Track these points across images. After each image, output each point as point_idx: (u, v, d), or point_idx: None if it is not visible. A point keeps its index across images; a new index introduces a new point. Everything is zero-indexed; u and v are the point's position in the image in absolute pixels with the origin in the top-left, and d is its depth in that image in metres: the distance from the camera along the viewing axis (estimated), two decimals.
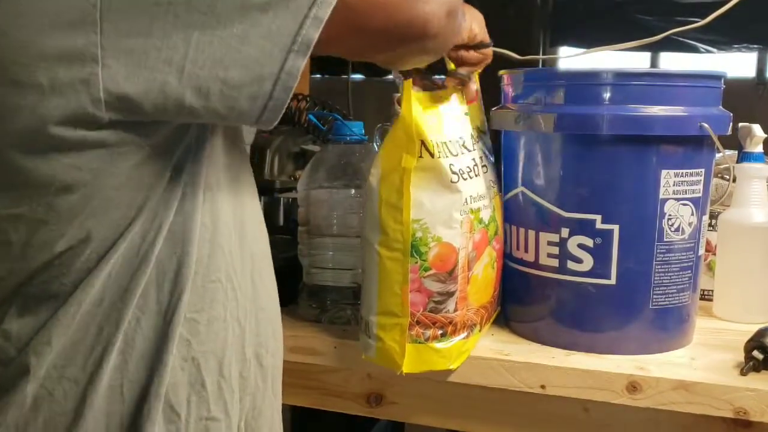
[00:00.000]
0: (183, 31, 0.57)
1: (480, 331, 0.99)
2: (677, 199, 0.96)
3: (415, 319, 0.92)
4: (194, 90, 0.59)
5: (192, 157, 0.67)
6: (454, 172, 0.91)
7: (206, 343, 0.69)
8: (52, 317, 0.64)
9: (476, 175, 0.96)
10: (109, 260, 0.64)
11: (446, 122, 0.94)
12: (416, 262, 0.91)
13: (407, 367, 0.92)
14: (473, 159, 0.97)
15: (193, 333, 0.68)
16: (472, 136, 0.98)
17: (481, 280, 0.97)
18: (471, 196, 0.93)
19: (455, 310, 0.94)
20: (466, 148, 0.96)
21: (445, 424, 1.08)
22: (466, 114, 0.99)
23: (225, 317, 0.71)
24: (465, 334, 0.95)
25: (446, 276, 0.92)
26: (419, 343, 0.93)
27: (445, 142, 0.92)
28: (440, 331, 0.93)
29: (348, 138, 1.11)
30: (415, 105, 0.89)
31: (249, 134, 1.42)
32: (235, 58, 0.59)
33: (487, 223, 0.97)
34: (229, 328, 0.71)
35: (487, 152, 1.02)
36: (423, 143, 0.89)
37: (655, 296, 0.97)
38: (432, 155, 0.89)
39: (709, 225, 1.10)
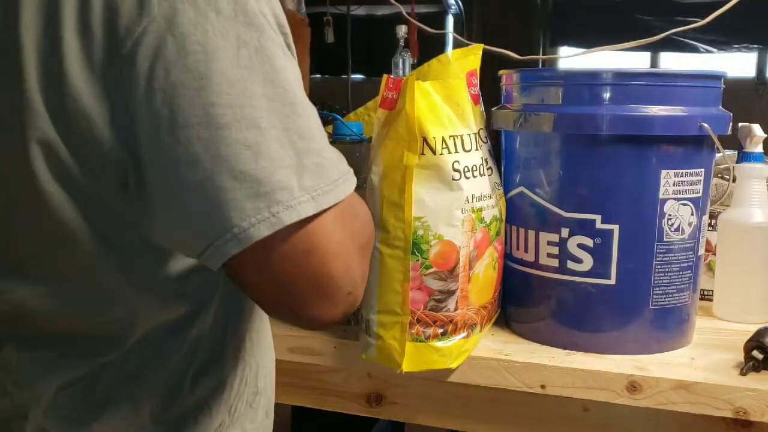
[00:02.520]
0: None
1: (480, 331, 0.99)
2: (677, 199, 0.96)
3: (416, 318, 0.92)
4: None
5: None
6: (456, 170, 0.91)
7: None
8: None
9: (481, 175, 0.96)
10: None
11: (457, 115, 0.94)
12: (417, 260, 0.91)
13: (407, 365, 0.92)
14: (481, 157, 0.97)
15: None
16: (479, 135, 0.98)
17: (482, 280, 0.97)
18: (473, 195, 0.93)
19: (456, 309, 0.94)
20: (475, 144, 0.96)
21: (445, 424, 1.08)
22: (476, 112, 0.99)
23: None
24: (465, 333, 0.95)
25: (447, 274, 0.92)
26: (419, 341, 0.93)
27: (453, 136, 0.92)
28: (441, 330, 0.93)
29: (348, 138, 1.11)
30: (418, 100, 0.89)
31: None
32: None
33: (488, 223, 0.97)
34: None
35: (490, 155, 1.02)
36: (425, 140, 0.89)
37: (654, 296, 0.97)
38: (434, 152, 0.90)
39: (709, 225, 1.10)
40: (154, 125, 0.52)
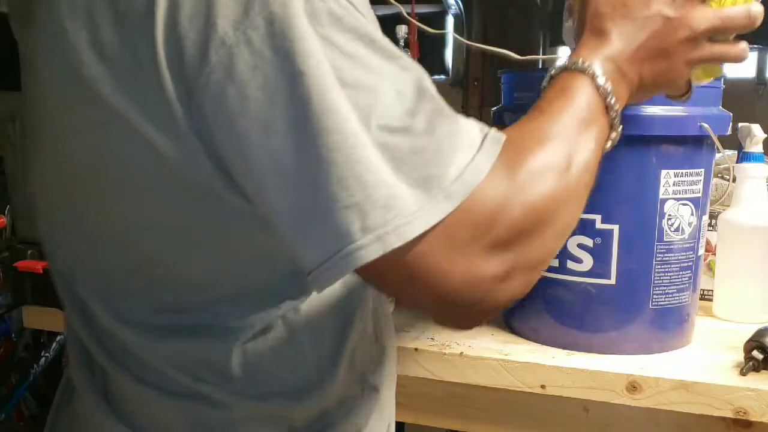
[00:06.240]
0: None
1: None
2: (677, 199, 0.96)
3: None
4: None
5: None
6: None
7: None
8: None
9: None
10: None
11: None
12: None
13: None
14: None
15: None
16: None
17: None
18: None
19: None
20: None
21: (445, 424, 1.08)
22: None
23: None
24: None
25: None
26: None
27: None
28: None
29: None
30: None
31: None
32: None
33: None
34: None
35: None
36: None
37: (654, 296, 0.97)
38: None
39: (709, 225, 1.10)
40: (235, 171, 0.53)
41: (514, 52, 1.06)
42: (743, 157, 1.12)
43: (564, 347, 1.00)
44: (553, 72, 0.66)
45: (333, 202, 0.51)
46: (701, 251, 1.01)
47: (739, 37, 0.74)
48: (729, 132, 0.99)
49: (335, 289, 0.67)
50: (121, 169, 0.57)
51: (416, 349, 0.99)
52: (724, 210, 1.13)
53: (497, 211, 0.54)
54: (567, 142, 0.60)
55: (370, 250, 0.51)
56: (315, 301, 0.66)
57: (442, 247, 0.53)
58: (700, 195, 0.98)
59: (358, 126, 0.51)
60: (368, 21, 0.55)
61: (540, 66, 2.31)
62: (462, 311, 0.56)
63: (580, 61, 0.64)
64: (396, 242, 0.51)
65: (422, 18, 1.49)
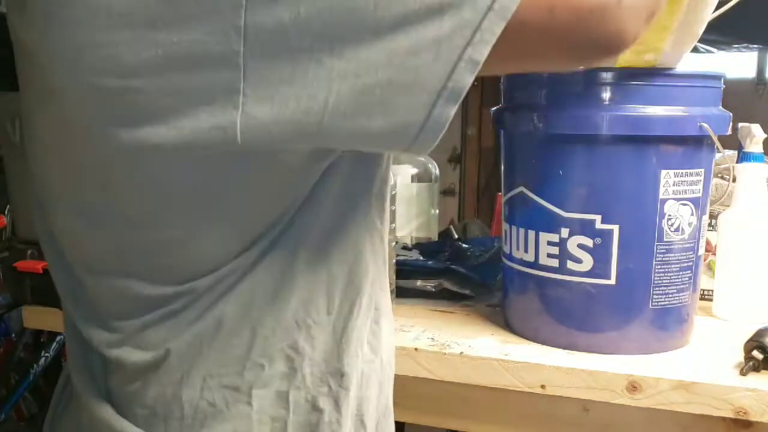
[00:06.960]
0: (325, 79, 0.52)
1: None
2: (677, 199, 0.96)
3: None
4: (333, 138, 0.56)
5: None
6: None
7: None
8: None
9: None
10: None
11: None
12: None
13: None
14: None
15: None
16: None
17: None
18: None
19: None
20: None
21: (445, 424, 1.08)
22: None
23: None
24: None
25: None
26: None
27: None
28: None
29: None
30: None
31: None
32: (378, 107, 0.54)
33: None
34: None
35: None
36: None
37: (654, 296, 0.97)
38: None
39: (709, 225, 1.10)
40: (298, 66, 0.52)
41: None
42: (743, 157, 1.12)
43: (564, 347, 1.00)
44: None
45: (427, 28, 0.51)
46: (701, 251, 1.01)
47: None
48: (729, 132, 0.99)
49: (337, 285, 0.67)
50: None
51: (416, 349, 0.99)
52: (724, 210, 1.14)
53: None
54: None
55: (493, 32, 0.52)
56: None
57: None
58: (700, 195, 0.98)
59: None
60: None
61: None
62: (610, 17, 0.56)
63: None
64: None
65: None
